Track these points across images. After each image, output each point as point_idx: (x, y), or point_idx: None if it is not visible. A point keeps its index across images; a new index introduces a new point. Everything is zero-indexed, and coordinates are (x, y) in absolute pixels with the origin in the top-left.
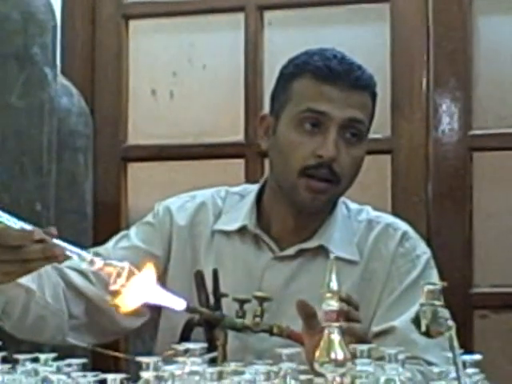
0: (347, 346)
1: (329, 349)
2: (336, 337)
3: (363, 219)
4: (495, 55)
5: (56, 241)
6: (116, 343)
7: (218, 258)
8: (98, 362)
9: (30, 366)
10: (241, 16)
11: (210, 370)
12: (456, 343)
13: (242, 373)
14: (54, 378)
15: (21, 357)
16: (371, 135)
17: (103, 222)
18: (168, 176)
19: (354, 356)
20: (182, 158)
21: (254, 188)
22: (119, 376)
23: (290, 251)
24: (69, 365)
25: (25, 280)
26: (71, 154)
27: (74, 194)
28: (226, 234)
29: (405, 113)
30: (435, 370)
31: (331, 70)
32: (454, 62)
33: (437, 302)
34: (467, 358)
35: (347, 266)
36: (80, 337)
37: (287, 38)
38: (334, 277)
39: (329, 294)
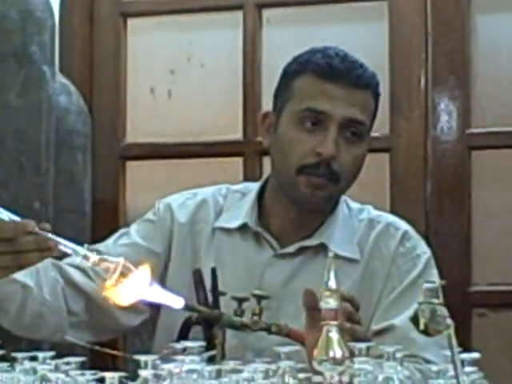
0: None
1: (327, 347)
2: (334, 335)
3: (364, 218)
4: (494, 54)
5: (51, 235)
6: (114, 341)
7: (218, 255)
8: (96, 361)
9: (28, 364)
10: (239, 14)
11: (209, 368)
12: (454, 341)
13: (241, 371)
14: (52, 376)
15: (19, 355)
16: None
17: (102, 221)
18: (166, 174)
19: (352, 354)
20: (180, 157)
21: (255, 186)
22: (117, 374)
23: (291, 249)
24: (67, 363)
25: (22, 277)
26: (70, 152)
27: (72, 192)
28: (227, 231)
29: (403, 111)
30: (433, 368)
31: (332, 68)
32: (452, 61)
33: (435, 301)
34: (465, 356)
35: (348, 264)
36: (80, 334)
37: (286, 36)
38: (332, 275)
39: (327, 292)
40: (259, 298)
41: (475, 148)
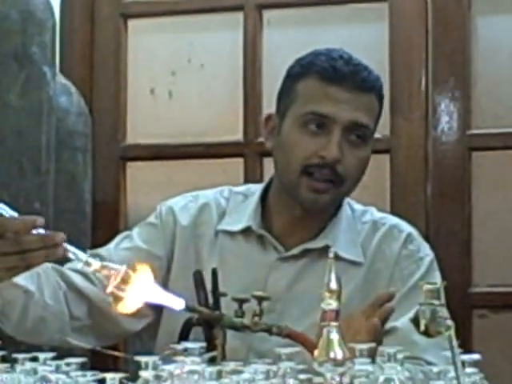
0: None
1: (328, 348)
2: (335, 336)
3: (368, 220)
4: (494, 55)
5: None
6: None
7: (221, 258)
8: (96, 362)
9: (29, 365)
10: (240, 15)
11: (209, 369)
12: (455, 343)
13: (241, 372)
14: (52, 377)
15: (20, 356)
16: None
17: (102, 222)
18: (167, 175)
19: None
20: (180, 158)
21: (258, 188)
22: (118, 375)
23: (295, 251)
24: (68, 364)
25: (23, 281)
26: (70, 153)
27: (72, 193)
28: (230, 234)
29: (404, 112)
30: (434, 369)
31: (336, 71)
32: (452, 62)
33: (436, 302)
34: (466, 357)
35: (351, 267)
36: (82, 339)
37: (286, 38)
38: (333, 276)
39: (328, 294)
40: (260, 299)
41: (475, 149)
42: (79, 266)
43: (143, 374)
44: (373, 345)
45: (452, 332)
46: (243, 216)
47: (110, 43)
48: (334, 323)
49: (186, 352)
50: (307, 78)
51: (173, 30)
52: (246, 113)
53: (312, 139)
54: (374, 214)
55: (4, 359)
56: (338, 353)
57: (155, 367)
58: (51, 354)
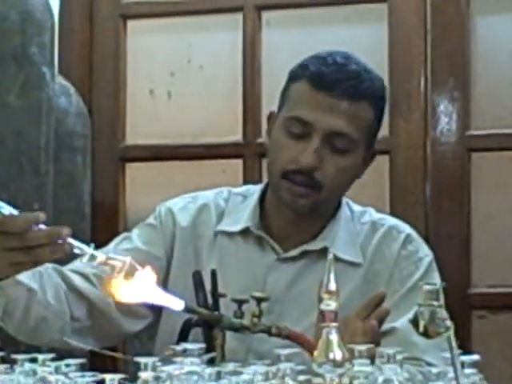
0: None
1: (327, 349)
2: (334, 337)
3: (366, 221)
4: (493, 56)
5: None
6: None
7: (220, 259)
8: (96, 363)
9: (28, 366)
10: (239, 16)
11: (209, 370)
12: (454, 343)
13: (241, 373)
14: (52, 378)
15: (19, 357)
16: None
17: (101, 222)
18: (166, 176)
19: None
20: (180, 158)
21: (257, 189)
22: (117, 376)
23: (294, 253)
24: (67, 365)
25: (27, 279)
26: (69, 154)
27: (72, 194)
28: (229, 235)
29: (403, 113)
30: (434, 370)
31: (324, 78)
32: (452, 63)
33: (435, 303)
34: (465, 358)
35: (350, 268)
36: (82, 340)
37: (285, 38)
38: (332, 277)
39: (327, 295)
40: (259, 300)
41: (475, 150)
42: (85, 259)
43: (142, 374)
44: (372, 346)
45: (451, 333)
46: (242, 217)
47: (109, 44)
48: (334, 324)
49: (185, 353)
50: (299, 82)
51: (172, 30)
52: (246, 113)
53: (293, 144)
54: (373, 214)
55: (3, 360)
56: (337, 354)
57: (154, 368)
58: (50, 355)
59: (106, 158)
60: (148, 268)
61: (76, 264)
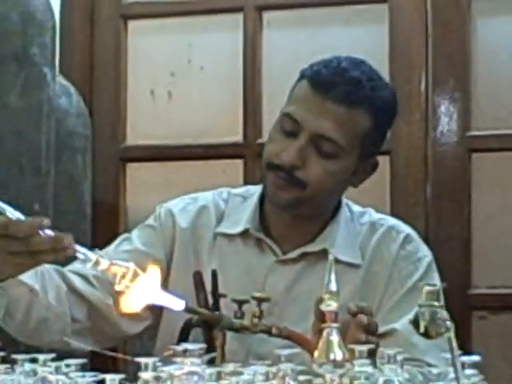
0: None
1: (328, 350)
2: (335, 338)
3: (366, 222)
4: (494, 56)
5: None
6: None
7: (220, 260)
8: (96, 363)
9: (28, 366)
10: (239, 16)
11: (209, 370)
12: (455, 344)
13: (241, 373)
14: (52, 378)
15: (19, 357)
16: None
17: (102, 223)
18: (166, 176)
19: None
20: (180, 159)
21: (257, 189)
22: (118, 376)
23: (293, 254)
24: (67, 365)
25: (29, 280)
26: (70, 154)
27: (72, 194)
28: (229, 237)
29: (403, 114)
30: (434, 371)
31: (321, 80)
32: (452, 63)
33: (435, 303)
34: (466, 359)
35: (350, 269)
36: (82, 341)
37: (286, 39)
38: (333, 277)
39: (327, 295)
40: (259, 301)
41: (475, 150)
42: (89, 265)
43: (143, 375)
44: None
45: (452, 333)
46: (241, 219)
47: (110, 44)
48: (334, 325)
49: (185, 353)
50: (302, 80)
51: (173, 31)
52: (246, 114)
53: (282, 139)
54: (373, 215)
55: (4, 360)
56: (337, 354)
57: (155, 368)
58: (51, 355)
59: (106, 158)
60: (151, 269)
61: (76, 265)
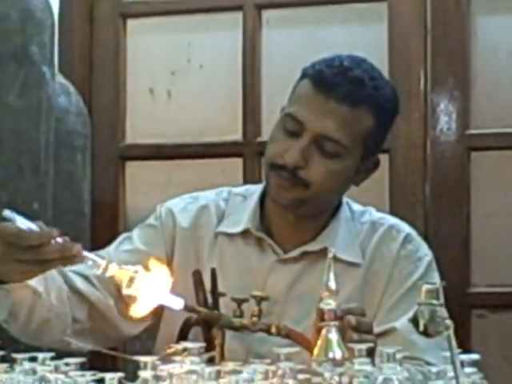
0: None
1: (327, 348)
2: (334, 336)
3: (366, 221)
4: (493, 55)
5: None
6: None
7: (221, 260)
8: (95, 361)
9: (28, 365)
10: (239, 15)
11: (208, 369)
12: (454, 343)
13: (240, 372)
14: (51, 377)
15: (19, 356)
16: None
17: (101, 222)
18: (166, 175)
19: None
20: (179, 157)
21: (257, 188)
22: (117, 375)
23: (294, 253)
24: (67, 364)
25: (32, 282)
26: (69, 153)
27: (71, 193)
28: (229, 236)
29: (403, 112)
30: (433, 369)
31: (322, 80)
32: (451, 62)
33: (435, 302)
34: (465, 357)
35: (350, 268)
36: (82, 341)
37: (285, 37)
38: (332, 275)
39: (326, 293)
40: (259, 299)
41: (474, 149)
42: (99, 272)
43: (142, 373)
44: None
45: (451, 332)
46: (242, 218)
47: (109, 43)
48: (333, 323)
49: (185, 352)
50: (304, 79)
51: (172, 29)
52: (245, 113)
53: (285, 140)
54: (373, 214)
55: (3, 359)
56: (337, 353)
57: (154, 367)
58: (50, 354)
59: (105, 157)
60: (159, 269)
61: (77, 266)
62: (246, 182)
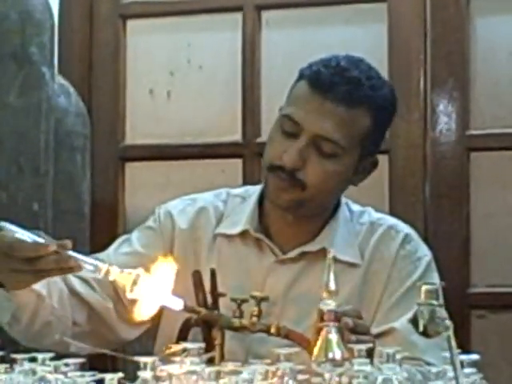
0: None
1: (327, 348)
2: (334, 336)
3: (365, 221)
4: (492, 55)
5: (71, 252)
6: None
7: (220, 261)
8: (95, 362)
9: (27, 365)
10: (238, 16)
11: (208, 369)
12: (454, 343)
13: (240, 372)
14: (51, 377)
15: (18, 356)
16: None
17: (101, 222)
18: (165, 176)
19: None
20: (179, 158)
21: (256, 189)
22: (117, 375)
23: (292, 254)
24: (66, 364)
25: (35, 285)
26: (69, 153)
27: (71, 193)
28: (228, 237)
29: (402, 113)
30: (433, 369)
31: (319, 80)
32: (451, 63)
33: (434, 302)
34: (465, 357)
35: (349, 268)
36: (82, 345)
37: (285, 38)
38: (332, 276)
39: (326, 294)
40: (258, 300)
41: (474, 149)
42: (100, 276)
43: (142, 374)
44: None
45: (451, 332)
46: (241, 219)
47: (109, 44)
48: (333, 323)
49: (184, 352)
50: (301, 80)
51: (171, 30)
52: (245, 113)
53: (282, 141)
54: (372, 214)
55: (3, 360)
56: (336, 353)
57: (154, 368)
58: (50, 355)
59: (105, 157)
60: (163, 267)
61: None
62: (245, 182)
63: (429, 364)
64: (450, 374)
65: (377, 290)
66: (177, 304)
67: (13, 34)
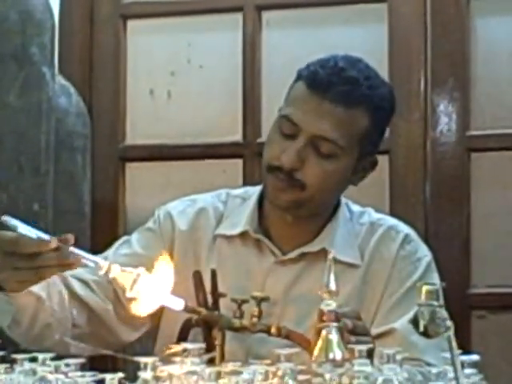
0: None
1: (327, 349)
2: (334, 337)
3: (365, 222)
4: (493, 56)
5: (72, 248)
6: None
7: (220, 262)
8: (95, 362)
9: (28, 365)
10: (239, 16)
11: (208, 370)
12: (454, 343)
13: (240, 373)
14: (52, 377)
15: (19, 356)
16: None
17: (101, 222)
18: (166, 176)
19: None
20: (179, 158)
21: (256, 190)
22: (117, 376)
23: (292, 255)
24: (67, 364)
25: (36, 288)
26: (69, 154)
27: (71, 193)
28: (228, 238)
29: (403, 113)
30: (433, 370)
31: (316, 80)
32: (451, 63)
33: (435, 303)
34: (465, 358)
35: (349, 269)
36: (81, 347)
37: (285, 39)
38: (332, 277)
39: (327, 294)
40: (259, 300)
41: (474, 150)
42: (101, 273)
43: (142, 374)
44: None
45: (451, 333)
46: (241, 220)
47: (110, 44)
48: (334, 324)
49: (185, 353)
50: (299, 81)
51: (172, 30)
52: (245, 113)
53: (281, 141)
54: (372, 215)
55: (3, 360)
56: (337, 354)
57: (154, 368)
58: (50, 355)
59: (105, 157)
60: (163, 267)
61: (77, 269)
62: (245, 183)
63: (429, 364)
64: (451, 374)
65: (377, 290)
66: (177, 304)
67: (13, 34)
